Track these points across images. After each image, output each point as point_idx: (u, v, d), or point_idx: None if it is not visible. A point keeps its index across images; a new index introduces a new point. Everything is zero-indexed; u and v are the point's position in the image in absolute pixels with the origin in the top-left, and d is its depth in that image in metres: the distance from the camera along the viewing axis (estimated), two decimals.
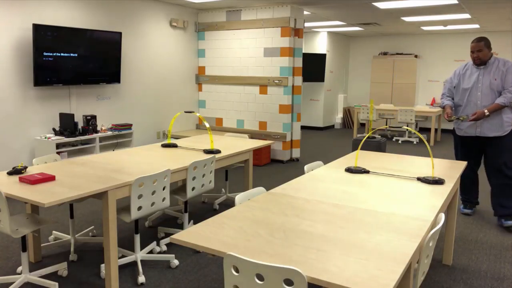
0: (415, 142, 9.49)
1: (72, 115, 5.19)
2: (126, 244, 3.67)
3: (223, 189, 5.31)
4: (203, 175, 3.48)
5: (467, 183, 4.51)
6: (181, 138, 5.77)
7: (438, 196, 2.44)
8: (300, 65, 7.02)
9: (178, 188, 3.65)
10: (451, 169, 3.11)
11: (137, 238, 3.18)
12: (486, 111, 3.93)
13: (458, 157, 4.43)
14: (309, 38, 11.10)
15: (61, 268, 3.06)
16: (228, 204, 4.86)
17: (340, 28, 10.09)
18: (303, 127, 11.50)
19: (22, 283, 2.82)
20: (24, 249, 2.77)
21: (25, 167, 2.90)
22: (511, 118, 4.02)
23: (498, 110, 3.97)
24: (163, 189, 3.06)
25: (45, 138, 5.02)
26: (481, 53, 3.96)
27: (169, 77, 7.13)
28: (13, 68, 4.89)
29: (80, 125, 5.64)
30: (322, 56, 10.70)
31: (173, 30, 7.09)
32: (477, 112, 3.97)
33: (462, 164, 3.28)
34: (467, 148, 4.32)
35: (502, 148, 4.05)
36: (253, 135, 7.19)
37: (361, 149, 6.08)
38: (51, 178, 2.75)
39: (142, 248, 3.53)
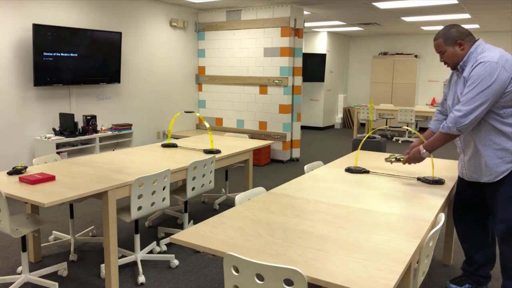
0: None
1: (72, 115, 5.19)
2: (126, 244, 3.67)
3: (223, 189, 5.31)
4: (203, 175, 3.48)
5: (467, 241, 2.87)
6: (181, 138, 5.77)
7: (438, 196, 2.44)
8: (300, 65, 7.02)
9: (178, 188, 3.65)
10: (451, 169, 3.11)
11: (137, 238, 3.18)
12: (421, 148, 2.62)
13: (455, 203, 2.90)
14: (309, 38, 11.10)
15: (61, 268, 3.06)
16: (228, 204, 4.86)
17: (340, 28, 10.09)
18: (303, 127, 11.50)
19: (22, 283, 2.82)
20: (24, 249, 2.77)
21: (25, 167, 2.90)
22: (499, 156, 2.45)
23: (441, 142, 2.53)
24: (163, 189, 3.06)
25: (45, 138, 5.02)
26: (445, 55, 2.56)
27: (169, 77, 7.13)
28: (13, 68, 4.89)
29: (80, 125, 5.64)
30: (322, 56, 10.70)
31: (173, 30, 7.09)
32: (411, 152, 2.71)
33: None
34: (467, 193, 2.80)
35: (495, 200, 2.54)
36: (253, 135, 7.19)
37: (361, 149, 6.08)
38: (51, 178, 2.75)
39: (142, 248, 3.53)
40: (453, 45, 2.50)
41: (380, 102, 11.55)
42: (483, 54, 2.39)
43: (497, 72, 2.31)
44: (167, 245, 3.62)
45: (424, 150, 2.60)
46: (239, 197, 2.32)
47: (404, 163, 2.76)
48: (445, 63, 2.58)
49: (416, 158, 2.67)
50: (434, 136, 2.56)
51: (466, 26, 9.38)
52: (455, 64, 2.55)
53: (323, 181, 2.76)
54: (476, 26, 9.28)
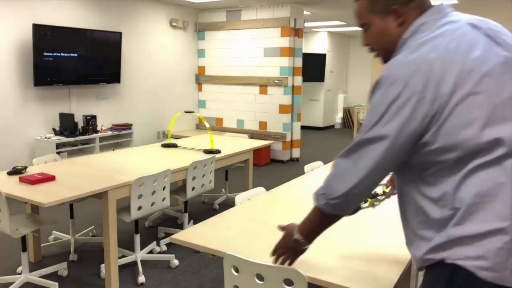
0: None
1: (72, 115, 5.19)
2: (126, 244, 3.67)
3: (223, 189, 5.31)
4: (203, 175, 3.48)
5: None
6: (181, 138, 5.77)
7: None
8: (300, 65, 7.02)
9: (178, 188, 3.65)
10: None
11: (137, 238, 3.18)
12: (295, 230, 1.39)
13: None
14: (309, 38, 11.10)
15: (61, 268, 3.06)
16: (228, 204, 4.86)
17: (340, 28, 10.09)
18: (303, 127, 11.50)
19: (22, 283, 2.82)
20: (24, 249, 2.77)
21: (25, 167, 2.90)
22: (429, 232, 1.12)
23: (316, 220, 1.33)
24: (163, 189, 3.06)
25: (45, 138, 5.02)
26: (369, 34, 1.28)
27: (169, 77, 7.13)
28: (13, 68, 4.89)
29: (80, 125, 5.64)
30: (322, 56, 10.69)
31: (173, 30, 7.09)
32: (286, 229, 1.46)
33: None
34: None
35: None
36: (253, 135, 7.19)
37: None
38: (51, 178, 2.75)
39: (142, 248, 3.52)
40: (384, 14, 1.23)
41: None
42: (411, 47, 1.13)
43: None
44: (167, 245, 3.62)
45: (301, 237, 1.39)
46: (239, 197, 2.32)
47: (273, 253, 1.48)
48: (373, 52, 1.31)
49: (286, 248, 1.44)
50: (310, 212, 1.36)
51: None
52: (387, 55, 1.28)
53: (323, 181, 2.76)
54: None
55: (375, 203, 1.71)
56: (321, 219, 1.32)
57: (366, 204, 1.71)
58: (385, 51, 1.27)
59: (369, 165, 1.14)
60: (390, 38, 1.24)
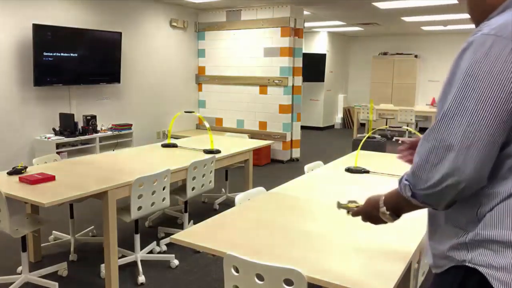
0: None
1: (72, 115, 5.19)
2: (126, 244, 3.67)
3: (223, 189, 5.31)
4: (203, 175, 3.48)
5: None
6: (181, 138, 5.76)
7: None
8: (300, 65, 7.02)
9: (178, 188, 3.65)
10: None
11: (137, 238, 3.18)
12: (381, 202, 1.29)
13: None
14: (309, 38, 11.09)
15: (61, 268, 3.06)
16: (228, 204, 4.86)
17: (340, 28, 10.09)
18: (303, 127, 11.49)
19: (22, 283, 2.82)
20: (24, 249, 2.77)
21: (25, 167, 2.90)
22: (457, 227, 1.01)
23: (402, 201, 1.18)
24: (163, 189, 3.06)
25: (45, 138, 5.02)
26: None
27: (169, 77, 7.13)
28: (13, 68, 4.89)
29: (80, 125, 5.63)
30: (322, 56, 10.69)
31: (173, 30, 7.09)
32: (364, 203, 1.38)
33: None
34: None
35: None
36: (253, 135, 7.19)
37: (361, 149, 6.08)
38: (51, 178, 2.75)
39: (142, 248, 3.52)
40: None
41: (380, 102, 11.55)
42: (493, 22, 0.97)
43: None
44: (167, 245, 3.62)
45: (383, 205, 1.29)
46: (239, 197, 2.32)
47: (353, 215, 1.45)
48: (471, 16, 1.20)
49: (370, 217, 1.35)
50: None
51: (466, 26, 9.37)
52: (477, 20, 1.12)
53: (323, 181, 2.76)
54: None
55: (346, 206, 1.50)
56: (408, 206, 1.17)
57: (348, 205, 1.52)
58: (480, 15, 1.09)
59: (457, 145, 0.91)
60: (477, 9, 1.10)
